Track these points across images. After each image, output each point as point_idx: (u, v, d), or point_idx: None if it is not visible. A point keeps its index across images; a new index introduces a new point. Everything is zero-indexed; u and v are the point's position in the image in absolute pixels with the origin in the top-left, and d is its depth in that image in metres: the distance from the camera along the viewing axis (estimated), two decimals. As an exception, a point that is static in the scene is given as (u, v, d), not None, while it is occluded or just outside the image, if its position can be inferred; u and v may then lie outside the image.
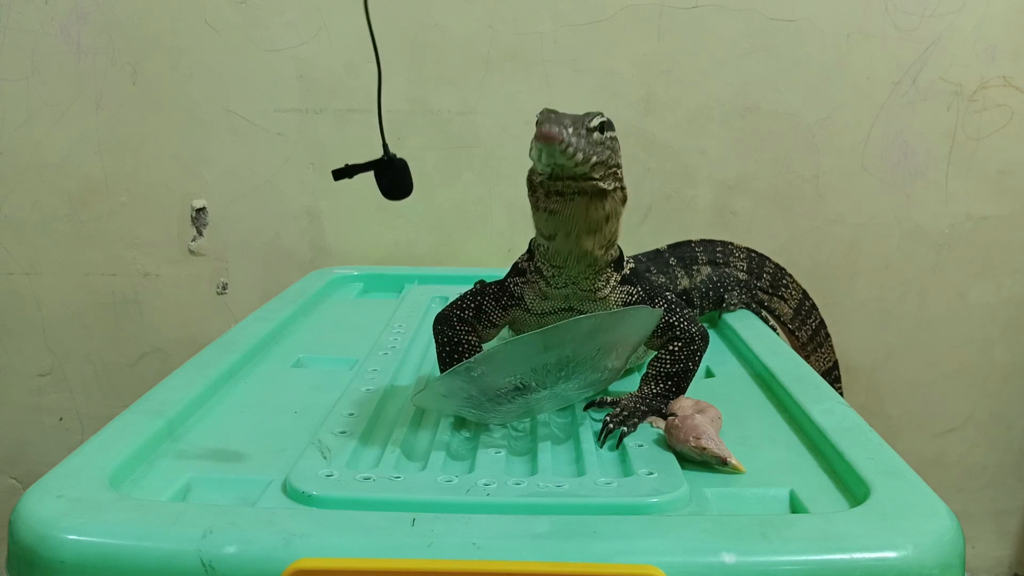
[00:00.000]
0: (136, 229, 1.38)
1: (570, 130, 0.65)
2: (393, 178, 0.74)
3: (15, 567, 0.54)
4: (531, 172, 0.71)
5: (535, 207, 0.72)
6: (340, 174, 0.73)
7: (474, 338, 0.79)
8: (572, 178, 0.68)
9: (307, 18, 1.31)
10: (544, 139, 0.64)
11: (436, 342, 0.80)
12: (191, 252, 1.40)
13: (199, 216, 1.38)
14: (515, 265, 0.82)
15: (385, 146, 0.75)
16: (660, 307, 0.77)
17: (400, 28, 1.31)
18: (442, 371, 0.77)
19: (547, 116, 0.65)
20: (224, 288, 1.41)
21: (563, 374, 0.68)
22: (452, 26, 1.31)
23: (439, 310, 0.82)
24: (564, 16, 1.31)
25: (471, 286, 1.18)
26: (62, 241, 1.38)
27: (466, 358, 0.76)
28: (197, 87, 1.33)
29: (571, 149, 0.65)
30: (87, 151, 1.35)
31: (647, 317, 0.71)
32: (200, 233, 1.39)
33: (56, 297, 1.41)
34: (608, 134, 0.70)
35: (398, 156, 0.74)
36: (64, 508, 0.55)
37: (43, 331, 1.42)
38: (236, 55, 1.32)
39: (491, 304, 0.79)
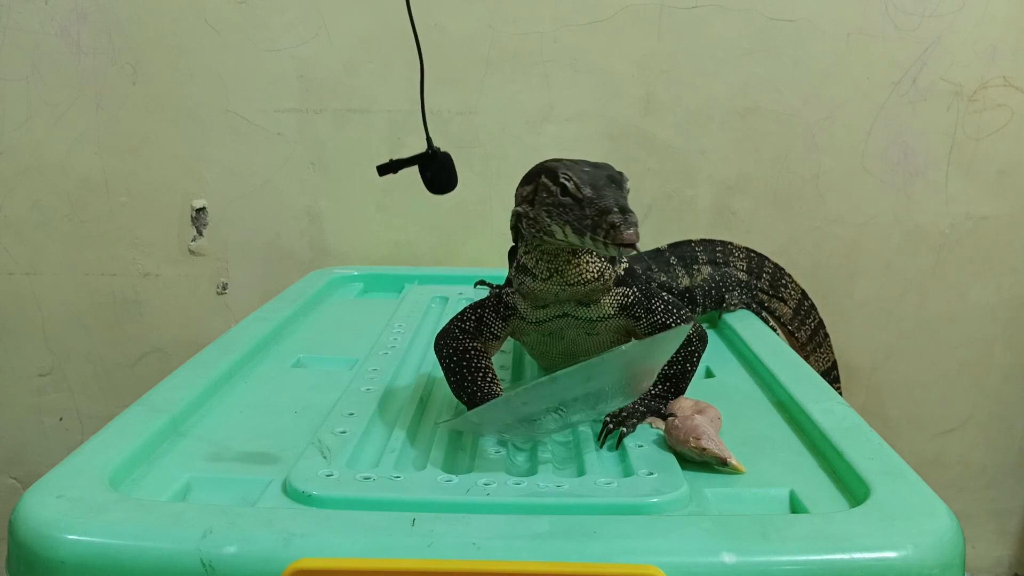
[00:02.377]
0: (136, 229, 1.38)
1: (638, 226, 0.63)
2: (437, 172, 0.73)
3: (15, 567, 0.54)
4: (546, 231, 0.68)
5: (533, 249, 0.72)
6: (384, 169, 0.72)
7: (478, 343, 0.77)
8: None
9: (307, 18, 1.31)
10: (624, 245, 0.62)
11: (440, 357, 0.76)
12: (191, 252, 1.40)
13: (199, 216, 1.38)
14: (507, 279, 0.81)
15: (429, 140, 0.74)
16: (656, 308, 0.77)
17: (400, 28, 1.31)
18: (451, 382, 0.76)
19: (614, 212, 0.62)
20: (224, 288, 1.41)
21: (601, 400, 0.67)
22: (452, 26, 1.31)
23: (439, 309, 0.81)
24: (564, 16, 1.31)
25: (471, 286, 1.19)
26: (62, 241, 1.38)
27: (474, 364, 0.74)
28: (197, 87, 1.33)
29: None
30: (87, 151, 1.35)
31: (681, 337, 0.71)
32: (200, 233, 1.39)
33: (56, 297, 1.41)
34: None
35: (441, 150, 0.73)
36: (64, 508, 0.55)
37: (43, 331, 1.42)
38: (236, 55, 1.32)
39: (491, 316, 0.77)
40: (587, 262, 0.73)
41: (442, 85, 1.33)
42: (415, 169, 0.84)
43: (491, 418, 0.66)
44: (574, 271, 0.73)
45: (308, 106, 1.35)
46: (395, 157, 0.75)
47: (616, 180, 0.66)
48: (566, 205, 0.66)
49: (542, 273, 0.73)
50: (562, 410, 0.65)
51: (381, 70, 1.33)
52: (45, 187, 1.36)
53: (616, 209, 0.63)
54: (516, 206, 0.74)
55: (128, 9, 1.30)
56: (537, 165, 0.72)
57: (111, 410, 0.72)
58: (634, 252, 0.63)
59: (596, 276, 0.74)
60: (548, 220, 0.67)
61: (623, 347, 0.64)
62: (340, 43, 1.32)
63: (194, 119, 1.35)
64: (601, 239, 0.63)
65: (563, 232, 0.66)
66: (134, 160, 1.36)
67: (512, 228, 0.76)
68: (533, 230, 0.70)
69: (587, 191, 0.65)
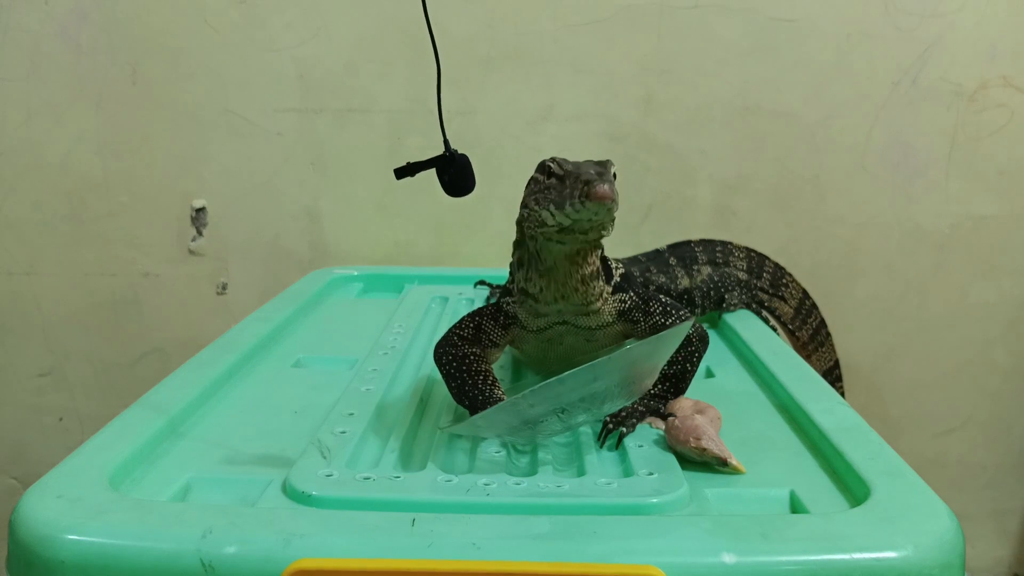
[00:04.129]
0: (136, 229, 1.38)
1: (613, 185, 0.65)
2: (455, 175, 0.73)
3: (15, 567, 0.54)
4: (538, 223, 0.70)
5: (536, 249, 0.73)
6: (402, 172, 0.72)
7: (477, 349, 0.77)
8: (585, 231, 0.69)
9: (307, 18, 1.31)
10: (599, 198, 0.64)
11: (440, 364, 0.76)
12: (191, 252, 1.40)
13: (199, 216, 1.38)
14: (504, 286, 0.82)
15: (446, 142, 0.75)
16: (655, 310, 0.77)
17: (400, 28, 1.31)
18: (451, 388, 0.76)
19: (589, 173, 0.65)
20: (224, 288, 1.41)
21: (607, 399, 0.67)
22: (452, 26, 1.31)
23: (439, 310, 0.81)
24: (564, 16, 1.31)
25: (471, 286, 1.19)
26: (62, 241, 1.38)
27: (474, 368, 0.75)
28: (197, 87, 1.33)
29: (615, 205, 0.66)
30: (87, 151, 1.35)
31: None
32: (200, 233, 1.39)
33: (56, 297, 1.41)
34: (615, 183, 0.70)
35: (459, 152, 0.74)
36: (64, 508, 0.55)
37: (43, 331, 1.42)
38: (236, 55, 1.32)
39: (490, 324, 0.78)
40: (597, 287, 0.75)
41: (442, 85, 1.33)
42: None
43: (496, 421, 0.66)
44: (579, 297, 0.75)
45: (308, 106, 1.35)
46: (412, 160, 0.75)
47: (601, 162, 0.69)
48: (551, 187, 0.68)
49: (547, 299, 0.75)
50: (566, 411, 0.66)
51: (381, 70, 1.33)
52: (45, 187, 1.36)
53: (591, 171, 0.66)
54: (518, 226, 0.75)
55: (128, 9, 1.30)
56: None
57: (111, 410, 0.72)
58: (611, 205, 0.65)
59: (597, 296, 0.76)
60: (537, 208, 0.69)
61: (627, 347, 0.64)
62: (340, 43, 1.32)
63: (194, 119, 1.35)
64: (578, 199, 0.65)
65: (550, 214, 0.68)
66: (134, 160, 1.36)
67: (516, 260, 0.77)
68: (532, 229, 0.71)
69: (568, 167, 0.67)
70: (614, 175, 0.68)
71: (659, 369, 0.71)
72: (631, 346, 0.65)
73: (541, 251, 0.72)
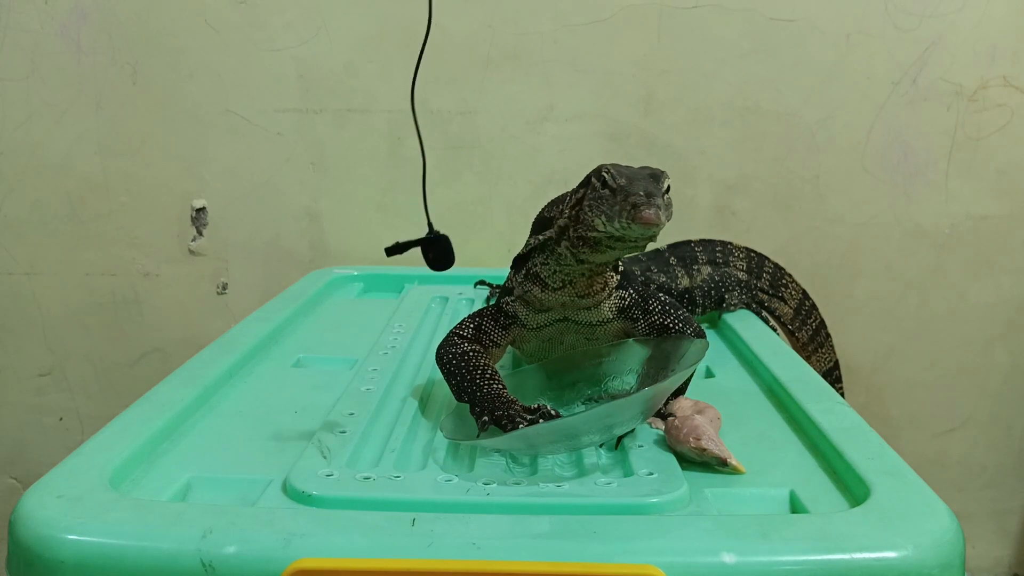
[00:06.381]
0: (136, 229, 1.38)
1: (661, 209, 0.66)
2: (437, 252, 0.80)
3: (15, 567, 0.54)
4: (589, 227, 0.70)
5: (569, 250, 0.73)
6: (392, 251, 0.78)
7: (478, 346, 0.78)
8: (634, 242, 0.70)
9: (307, 18, 1.31)
10: (643, 222, 0.65)
11: (442, 364, 0.77)
12: (191, 252, 1.40)
13: (199, 216, 1.38)
14: (504, 286, 0.83)
15: (430, 224, 0.80)
16: (654, 308, 0.78)
17: (400, 28, 1.31)
18: (452, 385, 0.76)
19: (638, 195, 0.66)
20: (224, 288, 1.41)
21: (618, 426, 0.68)
22: (452, 26, 1.31)
23: (439, 310, 0.81)
24: (564, 16, 1.31)
25: (471, 286, 1.19)
26: (62, 241, 1.38)
27: (474, 363, 0.75)
28: (197, 87, 1.33)
29: (661, 228, 0.67)
30: (87, 151, 1.35)
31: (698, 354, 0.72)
32: (200, 233, 1.39)
33: (56, 297, 1.41)
34: (669, 195, 0.70)
35: (441, 232, 0.80)
36: (64, 508, 0.55)
37: (43, 331, 1.42)
38: (236, 55, 1.32)
39: (490, 324, 0.79)
40: (600, 277, 0.76)
41: (442, 85, 1.33)
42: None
43: (502, 442, 0.66)
44: (585, 283, 0.76)
45: (308, 106, 1.35)
46: (400, 240, 0.79)
47: (655, 175, 0.69)
48: (604, 197, 0.69)
49: (555, 283, 0.76)
50: (576, 438, 0.66)
51: (381, 70, 1.33)
52: (45, 187, 1.36)
53: (641, 193, 0.66)
54: (559, 218, 0.75)
55: (128, 9, 1.30)
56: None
57: (111, 410, 0.72)
58: (658, 229, 0.66)
59: (602, 287, 0.77)
60: (591, 215, 0.70)
61: (645, 390, 0.64)
62: (340, 43, 1.32)
63: (194, 119, 1.35)
64: (625, 219, 0.66)
65: (601, 222, 0.69)
66: (134, 160, 1.36)
67: (540, 244, 0.77)
68: (580, 231, 0.71)
69: (621, 181, 0.68)
70: (667, 187, 0.69)
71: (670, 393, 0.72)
72: (648, 388, 0.64)
73: (579, 251, 0.73)
